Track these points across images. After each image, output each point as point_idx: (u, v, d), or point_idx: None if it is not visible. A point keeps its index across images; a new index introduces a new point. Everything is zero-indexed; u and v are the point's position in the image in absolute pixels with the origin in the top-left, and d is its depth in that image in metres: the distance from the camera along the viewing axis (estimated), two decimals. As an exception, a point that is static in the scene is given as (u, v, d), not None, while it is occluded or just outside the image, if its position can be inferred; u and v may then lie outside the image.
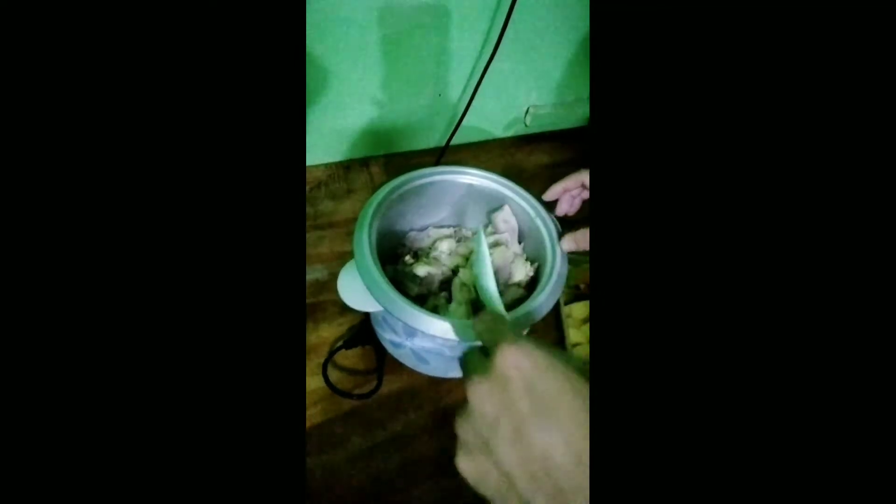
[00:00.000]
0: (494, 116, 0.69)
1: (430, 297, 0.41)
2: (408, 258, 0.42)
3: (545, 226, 0.41)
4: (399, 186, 0.41)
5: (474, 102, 0.63)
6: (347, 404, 0.42)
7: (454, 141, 0.67)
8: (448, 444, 0.41)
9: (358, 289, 0.36)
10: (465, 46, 0.58)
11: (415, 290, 0.40)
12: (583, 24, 0.62)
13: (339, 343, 0.45)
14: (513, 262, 0.42)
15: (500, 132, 0.72)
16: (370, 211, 0.38)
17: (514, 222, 0.44)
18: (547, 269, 0.39)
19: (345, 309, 0.38)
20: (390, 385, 0.44)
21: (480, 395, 0.23)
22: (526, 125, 0.72)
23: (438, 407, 0.43)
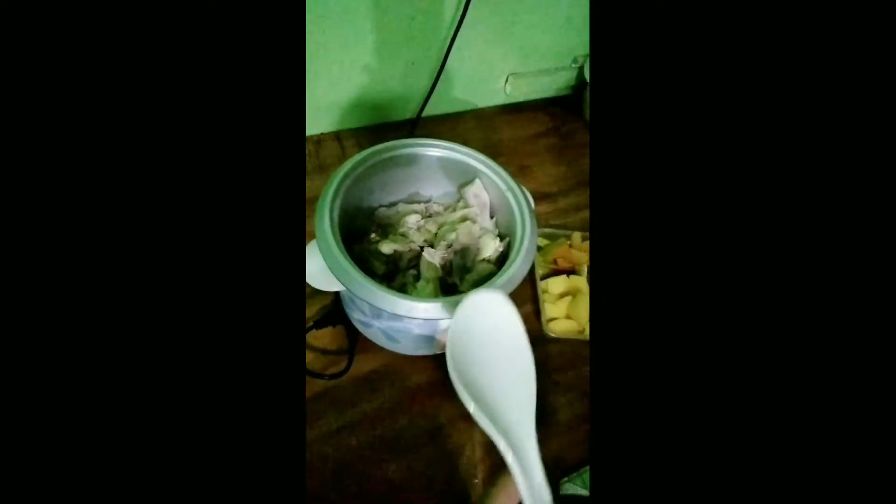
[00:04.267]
0: (473, 85, 0.67)
1: (398, 274, 0.40)
2: (373, 235, 0.41)
3: (516, 199, 0.40)
4: (363, 161, 0.39)
5: (451, 71, 0.61)
6: (319, 384, 0.42)
7: (432, 112, 0.65)
8: (419, 422, 0.41)
9: (321, 267, 0.35)
10: (439, 11, 0.55)
11: (381, 268, 0.39)
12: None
13: (310, 324, 0.44)
14: (481, 237, 0.41)
15: (479, 102, 0.70)
16: (331, 189, 0.37)
17: (484, 196, 0.42)
18: (516, 244, 0.38)
19: (315, 289, 0.37)
20: (362, 364, 0.43)
21: None
22: (506, 94, 0.70)
23: (409, 385, 0.43)
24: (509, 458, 0.21)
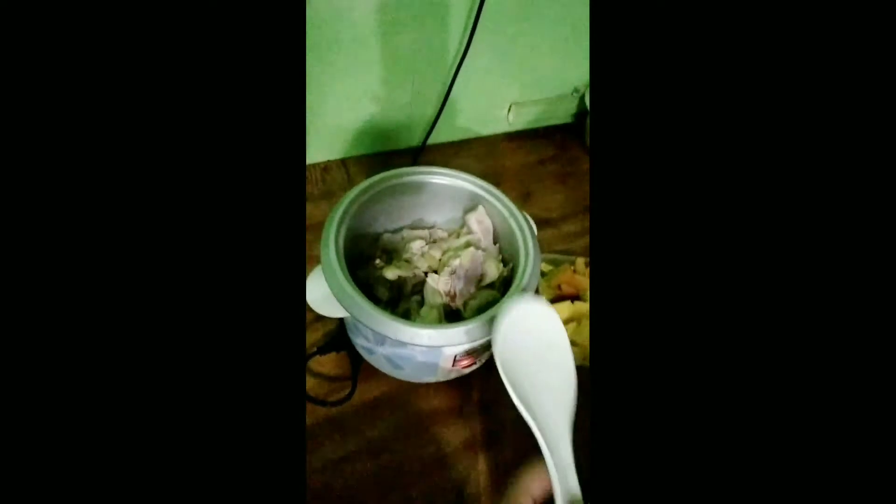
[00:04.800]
0: (476, 114, 0.68)
1: (402, 301, 0.40)
2: (378, 261, 0.41)
3: (519, 226, 0.41)
4: (369, 188, 0.40)
5: (455, 100, 0.62)
6: (322, 411, 0.41)
7: (436, 140, 0.66)
8: (423, 451, 0.41)
9: (325, 294, 0.35)
10: (444, 42, 0.57)
11: (386, 294, 0.40)
12: (567, 15, 0.61)
13: (314, 349, 0.44)
14: (484, 262, 0.41)
15: (483, 130, 0.71)
16: (337, 215, 0.37)
17: (488, 223, 0.43)
18: (520, 269, 0.38)
19: (319, 314, 0.37)
20: (365, 391, 0.43)
21: None
22: (509, 122, 0.71)
23: (413, 413, 0.42)
24: (543, 447, 0.23)
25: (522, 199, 0.62)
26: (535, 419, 0.24)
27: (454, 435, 0.41)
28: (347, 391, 0.42)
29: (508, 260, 0.42)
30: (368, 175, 0.41)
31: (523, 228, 0.40)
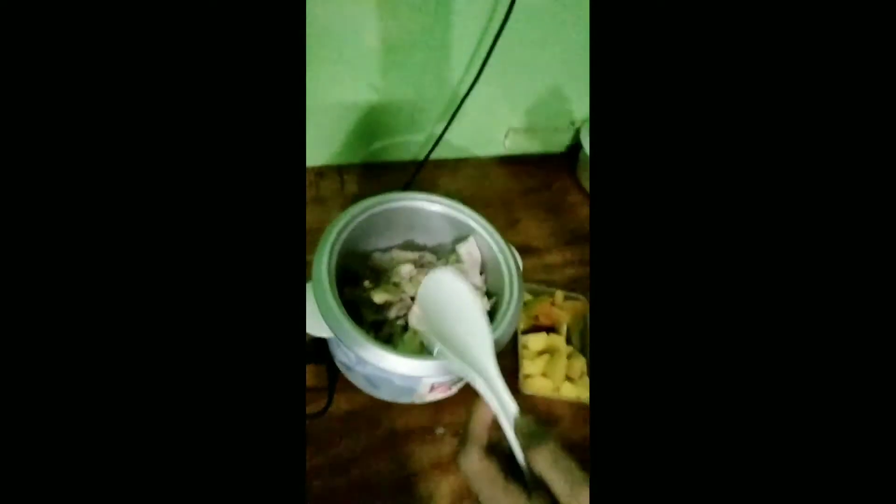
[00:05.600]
0: (475, 135, 0.70)
1: (386, 324, 0.41)
2: (367, 283, 0.42)
3: (506, 262, 0.42)
4: (363, 211, 0.41)
5: (457, 119, 0.63)
6: (295, 422, 0.42)
7: (432, 156, 0.67)
8: (393, 467, 0.42)
9: (314, 313, 0.36)
10: (450, 63, 0.58)
11: (371, 316, 0.41)
12: (572, 53, 0.63)
13: (293, 359, 0.45)
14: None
15: (479, 151, 0.73)
16: (330, 237, 0.38)
17: (477, 255, 0.44)
18: (504, 303, 0.39)
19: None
20: (340, 404, 0.44)
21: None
22: (505, 146, 0.73)
23: (385, 430, 0.43)
24: (476, 382, 0.27)
25: (510, 226, 0.64)
26: (463, 360, 0.29)
27: (424, 455, 0.43)
28: (323, 404, 0.43)
29: (493, 293, 0.44)
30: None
31: (510, 263, 0.42)
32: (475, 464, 0.25)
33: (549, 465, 0.23)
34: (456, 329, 0.31)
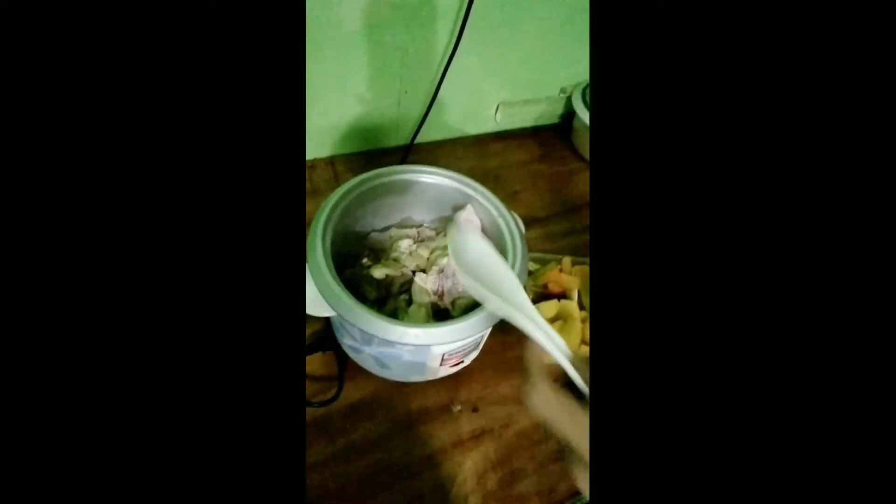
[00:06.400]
0: (464, 113, 0.68)
1: (390, 299, 0.40)
2: (365, 260, 0.41)
3: (507, 225, 0.41)
4: (356, 187, 0.40)
5: (443, 99, 0.62)
6: (308, 412, 0.41)
7: (424, 138, 0.66)
8: (411, 450, 0.40)
9: (313, 294, 0.35)
10: (432, 42, 0.57)
11: (373, 293, 0.39)
12: (554, 16, 0.61)
13: (300, 349, 0.44)
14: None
15: (471, 129, 0.71)
16: (324, 214, 0.37)
17: (476, 221, 0.43)
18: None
19: (306, 314, 0.37)
20: (352, 391, 0.43)
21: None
22: (496, 122, 0.72)
23: (400, 413, 0.42)
24: (524, 323, 0.27)
25: (510, 199, 0.62)
26: (506, 301, 0.30)
27: (441, 435, 0.41)
28: (334, 391, 0.42)
29: (496, 259, 0.42)
30: (355, 173, 0.41)
31: (511, 228, 0.40)
32: (549, 396, 0.24)
33: None
34: (490, 280, 0.32)
